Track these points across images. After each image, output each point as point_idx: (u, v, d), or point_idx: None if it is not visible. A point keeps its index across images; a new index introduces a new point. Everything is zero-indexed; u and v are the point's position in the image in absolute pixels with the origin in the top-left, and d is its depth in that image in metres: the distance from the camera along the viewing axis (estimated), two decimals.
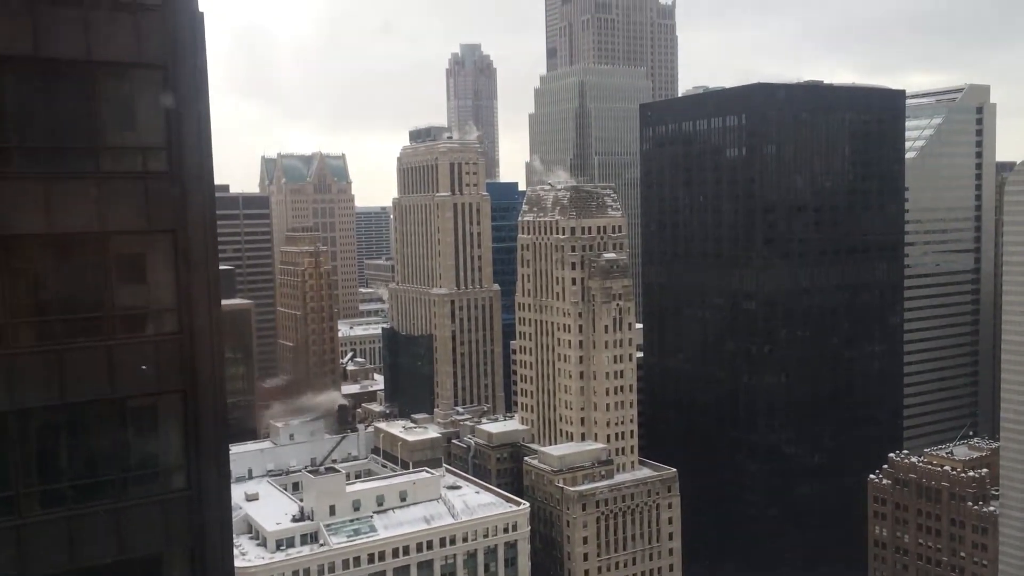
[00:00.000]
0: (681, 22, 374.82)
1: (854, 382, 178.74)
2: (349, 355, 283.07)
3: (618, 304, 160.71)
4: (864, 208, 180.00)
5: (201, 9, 22.62)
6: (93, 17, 21.38)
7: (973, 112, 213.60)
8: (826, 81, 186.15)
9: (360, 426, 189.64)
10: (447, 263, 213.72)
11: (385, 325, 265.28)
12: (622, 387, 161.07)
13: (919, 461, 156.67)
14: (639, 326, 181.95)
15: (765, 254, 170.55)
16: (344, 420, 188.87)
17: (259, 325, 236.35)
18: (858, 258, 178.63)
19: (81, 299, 22.03)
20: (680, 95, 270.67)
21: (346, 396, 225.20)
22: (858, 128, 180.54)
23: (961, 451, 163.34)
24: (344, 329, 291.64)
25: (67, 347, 21.38)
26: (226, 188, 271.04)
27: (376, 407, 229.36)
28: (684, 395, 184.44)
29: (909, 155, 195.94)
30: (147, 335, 22.48)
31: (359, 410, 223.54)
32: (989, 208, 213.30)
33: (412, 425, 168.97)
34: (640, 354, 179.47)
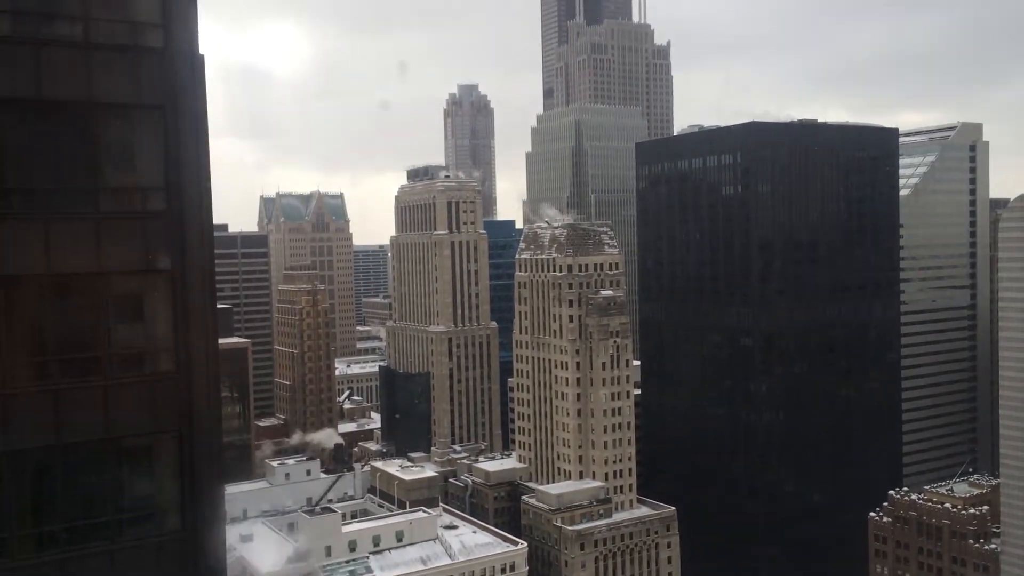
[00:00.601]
0: (675, 62, 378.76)
1: (853, 419, 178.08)
2: (346, 393, 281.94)
3: (615, 341, 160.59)
4: (860, 245, 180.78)
5: (201, 51, 22.92)
6: (94, 59, 21.64)
7: (966, 150, 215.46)
8: (819, 120, 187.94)
9: (356, 465, 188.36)
10: (444, 301, 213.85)
11: (382, 363, 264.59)
12: (620, 424, 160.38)
13: (919, 499, 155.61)
14: (636, 363, 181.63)
15: (762, 291, 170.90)
16: (340, 459, 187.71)
17: (256, 364, 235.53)
18: (854, 294, 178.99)
19: (78, 339, 22.05)
20: (675, 134, 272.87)
21: (342, 435, 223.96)
22: (852, 166, 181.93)
23: (961, 488, 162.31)
24: (341, 367, 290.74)
25: (63, 387, 21.36)
26: (225, 227, 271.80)
27: (373, 446, 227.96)
28: (682, 433, 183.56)
29: (903, 192, 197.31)
30: (143, 375, 22.46)
31: (355, 449, 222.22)
32: (984, 244, 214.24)
33: (409, 464, 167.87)
34: (638, 391, 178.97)
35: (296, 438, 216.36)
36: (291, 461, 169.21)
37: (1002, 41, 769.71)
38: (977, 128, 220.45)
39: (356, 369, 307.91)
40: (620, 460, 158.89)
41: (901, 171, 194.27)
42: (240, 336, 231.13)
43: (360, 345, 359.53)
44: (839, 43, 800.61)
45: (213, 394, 23.13)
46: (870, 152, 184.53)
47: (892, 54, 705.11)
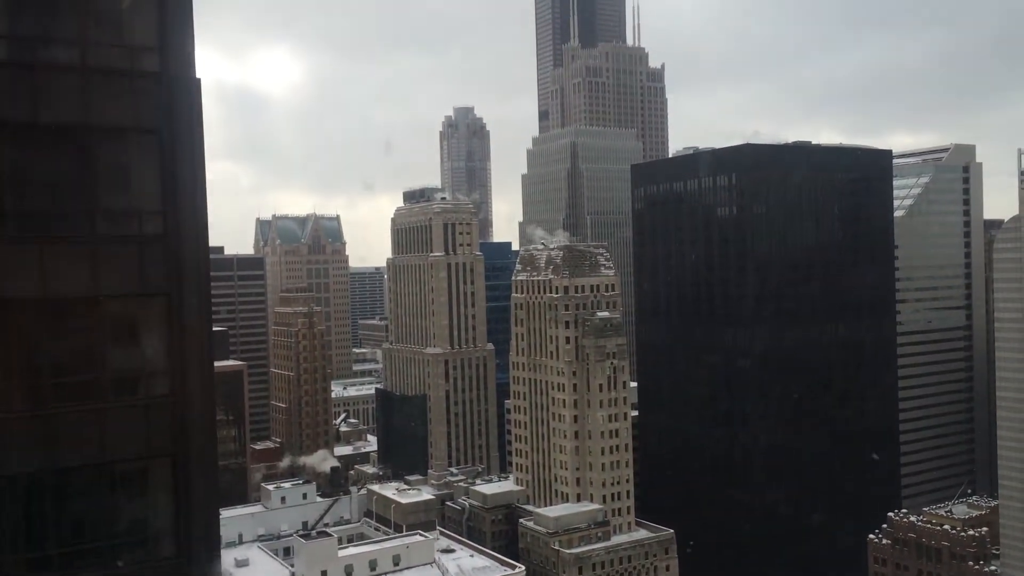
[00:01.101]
0: (669, 85, 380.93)
1: (850, 440, 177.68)
2: (342, 416, 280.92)
3: (612, 362, 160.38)
4: (855, 265, 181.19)
5: (198, 75, 23.04)
6: (91, 83, 21.73)
7: (960, 171, 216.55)
8: (813, 141, 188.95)
9: (353, 488, 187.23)
10: (441, 323, 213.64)
11: (379, 385, 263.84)
12: (617, 446, 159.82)
13: (918, 520, 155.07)
14: (634, 385, 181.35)
15: (758, 312, 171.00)
16: (336, 482, 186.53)
17: (252, 386, 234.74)
18: (850, 315, 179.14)
19: (73, 362, 21.99)
20: (670, 156, 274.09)
21: (339, 458, 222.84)
22: (846, 187, 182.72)
23: (960, 510, 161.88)
24: (337, 390, 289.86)
25: (57, 411, 21.26)
26: (221, 250, 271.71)
27: (369, 469, 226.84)
28: (680, 454, 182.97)
29: (897, 213, 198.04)
30: (138, 398, 22.39)
31: (352, 472, 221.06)
32: (979, 265, 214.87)
33: (405, 487, 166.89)
34: (635, 413, 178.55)
35: (292, 461, 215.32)
36: (287, 485, 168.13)
37: (992, 63, 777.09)
38: (970, 149, 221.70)
39: (352, 392, 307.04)
40: (618, 482, 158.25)
41: (895, 192, 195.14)
42: (236, 359, 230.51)
43: (356, 367, 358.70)
44: (830, 65, 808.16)
45: (208, 417, 23.05)
46: (864, 173, 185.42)
47: (883, 76, 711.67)
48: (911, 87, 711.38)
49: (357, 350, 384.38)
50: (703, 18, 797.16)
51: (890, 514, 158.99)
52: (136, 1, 23.03)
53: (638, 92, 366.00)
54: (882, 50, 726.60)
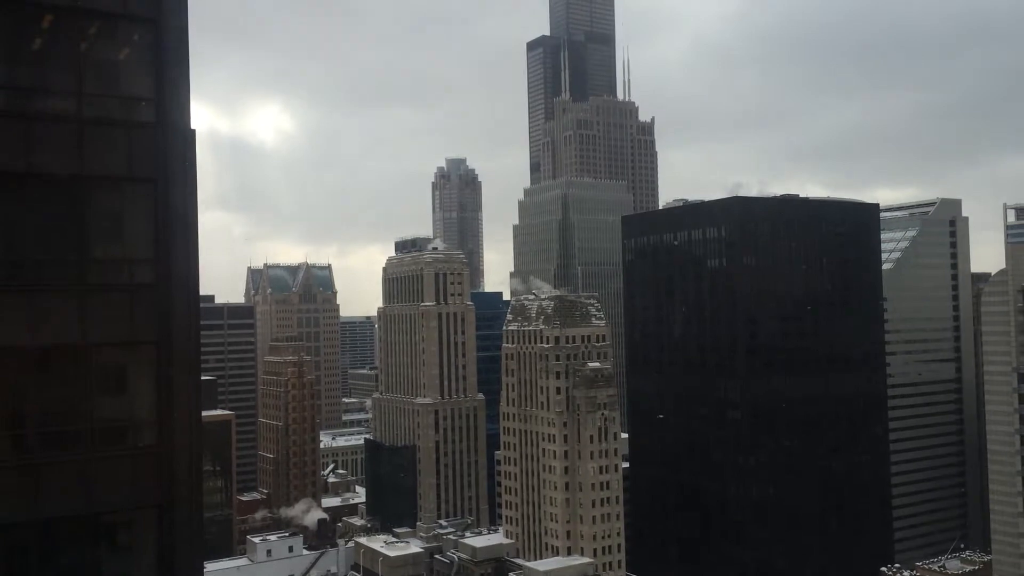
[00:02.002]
0: (659, 138, 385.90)
1: (842, 493, 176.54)
2: (330, 467, 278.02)
3: (603, 414, 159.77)
4: (844, 318, 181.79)
5: (193, 126, 23.29)
6: (86, 133, 21.93)
7: (946, 225, 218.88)
8: (800, 195, 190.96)
9: (340, 541, 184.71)
10: (431, 372, 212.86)
11: (368, 436, 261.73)
12: (608, 499, 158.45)
13: (912, 575, 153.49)
14: (624, 436, 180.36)
15: (748, 363, 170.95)
16: (324, 535, 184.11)
17: (239, 436, 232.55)
18: (840, 367, 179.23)
19: (60, 411, 21.83)
20: (661, 207, 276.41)
21: (326, 509, 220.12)
22: (834, 240, 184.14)
23: (954, 564, 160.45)
24: (326, 440, 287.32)
25: (42, 461, 21.06)
26: (211, 298, 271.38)
27: (357, 520, 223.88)
28: (671, 507, 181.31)
29: (886, 266, 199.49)
30: (125, 448, 22.20)
31: (339, 524, 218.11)
32: (967, 318, 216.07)
33: (394, 540, 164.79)
34: (626, 464, 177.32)
35: (278, 513, 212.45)
36: (273, 537, 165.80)
37: (967, 122, 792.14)
38: (956, 204, 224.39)
39: (341, 442, 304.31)
40: (608, 535, 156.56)
41: (883, 245, 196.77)
42: (224, 408, 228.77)
43: (346, 417, 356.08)
44: (814, 121, 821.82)
45: (195, 468, 22.84)
46: (852, 226, 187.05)
47: (864, 133, 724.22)
48: (891, 144, 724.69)
49: (347, 400, 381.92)
50: (688, 76, 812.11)
51: (883, 568, 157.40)
52: (133, 53, 23.39)
53: (628, 145, 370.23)
54: (862, 109, 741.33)
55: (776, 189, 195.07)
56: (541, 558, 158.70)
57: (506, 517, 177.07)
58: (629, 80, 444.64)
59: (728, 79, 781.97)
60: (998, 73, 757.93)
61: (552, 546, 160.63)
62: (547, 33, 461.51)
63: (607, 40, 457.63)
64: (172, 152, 22.63)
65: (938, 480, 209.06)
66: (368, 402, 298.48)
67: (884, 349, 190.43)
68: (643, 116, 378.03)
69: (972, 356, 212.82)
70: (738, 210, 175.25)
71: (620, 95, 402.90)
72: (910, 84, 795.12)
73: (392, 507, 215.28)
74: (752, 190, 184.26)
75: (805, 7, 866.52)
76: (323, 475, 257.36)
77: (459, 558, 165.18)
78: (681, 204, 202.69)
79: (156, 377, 22.34)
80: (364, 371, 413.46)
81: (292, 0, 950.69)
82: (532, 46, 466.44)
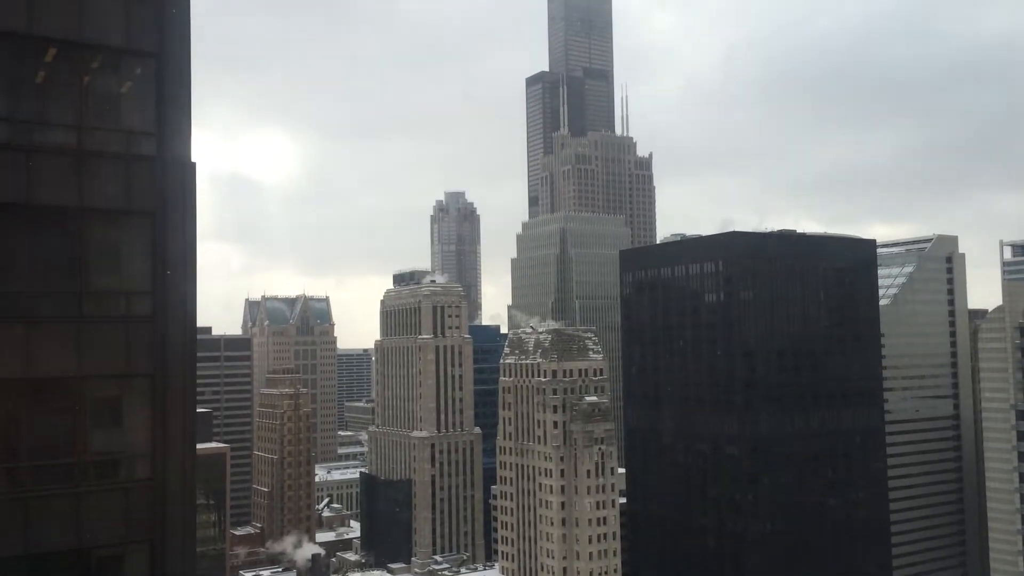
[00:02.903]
0: (656, 173, 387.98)
1: (840, 530, 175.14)
2: (325, 501, 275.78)
3: (600, 448, 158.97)
4: (842, 353, 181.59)
5: (193, 159, 23.40)
6: (87, 166, 22.03)
7: (943, 261, 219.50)
8: (797, 230, 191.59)
9: None
10: (428, 406, 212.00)
11: (363, 469, 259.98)
12: (605, 535, 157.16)
13: None
14: (622, 471, 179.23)
15: (746, 398, 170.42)
16: (317, 570, 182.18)
17: (234, 469, 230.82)
18: (838, 403, 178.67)
19: (53, 444, 21.69)
20: (658, 242, 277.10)
21: (321, 544, 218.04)
22: (831, 275, 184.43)
23: None
24: (321, 473, 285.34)
25: (34, 495, 20.89)
26: (208, 330, 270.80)
27: (351, 556, 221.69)
28: (668, 543, 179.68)
29: (883, 302, 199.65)
30: (118, 481, 22.03)
31: (334, 560, 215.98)
32: (964, 354, 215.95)
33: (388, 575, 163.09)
34: (623, 500, 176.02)
35: (272, 547, 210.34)
36: (266, 572, 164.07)
37: (963, 159, 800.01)
38: (952, 240, 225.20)
39: (337, 475, 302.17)
40: (605, 572, 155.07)
41: (880, 281, 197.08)
42: (219, 441, 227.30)
43: (342, 451, 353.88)
44: (806, 159, 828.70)
45: (189, 502, 22.67)
46: (849, 262, 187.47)
47: (857, 170, 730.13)
48: (883, 182, 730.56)
49: (342, 433, 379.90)
50: (682, 113, 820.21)
51: None
52: (135, 87, 23.56)
53: (626, 179, 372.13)
54: (853, 147, 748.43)
55: (770, 225, 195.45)
56: None
57: (502, 553, 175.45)
58: (627, 116, 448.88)
59: (721, 117, 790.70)
60: (987, 113, 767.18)
61: None
62: (546, 69, 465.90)
63: (605, 76, 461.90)
64: (172, 185, 22.72)
65: (937, 517, 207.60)
66: (364, 435, 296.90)
67: (882, 385, 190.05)
68: (641, 151, 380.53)
69: (970, 392, 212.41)
70: (735, 245, 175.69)
71: (618, 130, 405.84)
72: (900, 124, 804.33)
73: (387, 542, 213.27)
74: (746, 225, 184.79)
75: (794, 49, 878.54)
76: (318, 509, 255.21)
77: None
78: (678, 239, 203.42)
79: (151, 410, 22.24)
80: (360, 404, 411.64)
81: (292, 35, 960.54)
82: (531, 82, 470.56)
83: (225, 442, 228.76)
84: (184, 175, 22.96)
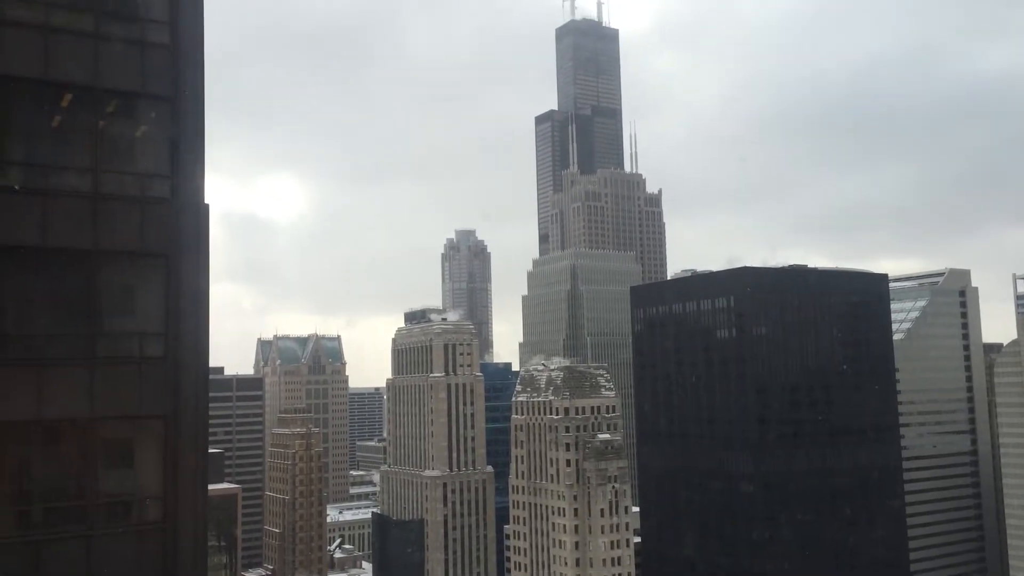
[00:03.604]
0: (666, 210, 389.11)
1: (859, 569, 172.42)
2: (337, 542, 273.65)
3: (614, 487, 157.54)
4: (856, 389, 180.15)
5: (206, 201, 23.59)
6: (102, 209, 22.21)
7: (956, 295, 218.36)
8: (808, 265, 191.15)
9: None
10: (440, 444, 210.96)
11: (375, 509, 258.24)
12: (620, 575, 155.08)
13: None
14: (636, 509, 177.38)
15: (761, 435, 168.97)
16: None
17: (245, 510, 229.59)
18: (854, 439, 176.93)
19: (64, 486, 21.66)
20: (669, 278, 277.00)
21: None
22: (844, 310, 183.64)
23: None
24: (333, 514, 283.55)
25: (45, 538, 20.81)
26: (221, 370, 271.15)
27: None
28: None
29: (896, 337, 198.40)
30: (130, 524, 21.94)
31: None
32: (980, 389, 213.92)
33: None
34: (637, 539, 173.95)
35: None
36: None
37: (968, 194, 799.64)
38: (965, 274, 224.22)
39: (348, 516, 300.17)
40: None
41: (893, 316, 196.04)
42: (231, 481, 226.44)
43: (353, 491, 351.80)
44: (813, 195, 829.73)
45: (200, 544, 22.53)
46: (862, 297, 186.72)
47: (863, 205, 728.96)
48: (890, 217, 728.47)
49: (354, 472, 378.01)
50: (690, 151, 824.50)
51: None
52: (150, 130, 23.86)
53: (636, 216, 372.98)
54: (859, 183, 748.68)
55: (779, 261, 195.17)
56: None
57: None
58: (636, 153, 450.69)
59: (724, 155, 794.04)
60: (990, 147, 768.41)
61: None
62: (555, 108, 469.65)
63: (613, 114, 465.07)
64: (185, 227, 22.89)
65: (957, 555, 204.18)
66: (376, 475, 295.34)
67: (898, 421, 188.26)
68: (651, 188, 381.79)
69: (987, 428, 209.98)
70: (747, 280, 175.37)
71: (627, 167, 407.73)
72: (904, 159, 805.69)
73: None
74: (754, 261, 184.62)
75: (795, 88, 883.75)
76: (329, 550, 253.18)
77: None
78: (690, 274, 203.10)
79: (163, 451, 22.22)
80: (372, 443, 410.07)
81: (303, 79, 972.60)
82: (540, 120, 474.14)
83: (237, 483, 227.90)
84: (198, 217, 23.14)
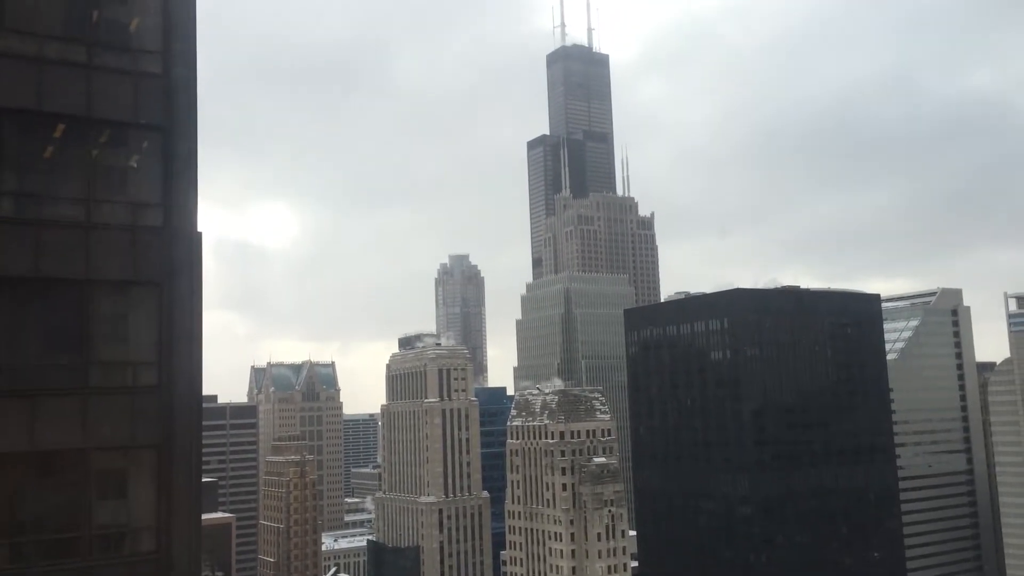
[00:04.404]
0: (659, 232, 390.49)
1: None
2: (332, 570, 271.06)
3: (610, 510, 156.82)
4: (851, 409, 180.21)
5: (199, 229, 23.61)
6: (94, 238, 22.22)
7: (948, 314, 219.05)
8: (800, 286, 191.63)
9: None
10: (435, 470, 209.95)
11: (370, 537, 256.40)
12: None
13: None
14: (632, 533, 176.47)
15: (757, 457, 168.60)
16: None
17: (239, 540, 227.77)
18: (850, 460, 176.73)
19: (58, 518, 21.50)
20: (663, 300, 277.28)
21: None
22: (837, 331, 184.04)
23: None
24: (328, 542, 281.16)
25: (39, 570, 20.63)
26: (214, 398, 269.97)
27: None
28: None
29: (890, 357, 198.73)
30: (123, 555, 21.76)
31: None
32: (975, 408, 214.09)
33: None
34: (635, 563, 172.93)
35: None
36: None
37: (955, 213, 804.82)
38: (957, 293, 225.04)
39: (343, 544, 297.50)
40: None
41: (886, 336, 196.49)
42: (225, 510, 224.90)
43: (348, 518, 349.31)
44: (800, 217, 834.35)
45: (194, 574, 22.36)
46: (854, 317, 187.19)
47: (851, 226, 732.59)
48: (880, 237, 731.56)
49: (349, 500, 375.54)
50: (678, 174, 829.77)
51: None
52: (143, 160, 23.93)
53: (629, 239, 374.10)
54: (847, 203, 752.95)
55: (768, 282, 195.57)
56: None
57: None
58: (628, 177, 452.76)
59: (713, 178, 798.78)
60: (976, 167, 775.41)
61: None
62: (547, 132, 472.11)
63: (605, 139, 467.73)
64: (178, 256, 22.89)
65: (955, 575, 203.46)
66: (370, 502, 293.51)
67: (893, 441, 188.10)
68: (643, 211, 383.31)
69: (983, 447, 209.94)
70: (740, 302, 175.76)
71: (619, 191, 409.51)
72: (891, 180, 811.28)
73: None
74: (745, 284, 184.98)
75: (781, 111, 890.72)
76: None
77: None
78: (683, 296, 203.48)
79: (156, 481, 22.09)
80: (367, 469, 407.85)
81: (294, 108, 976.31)
82: (532, 145, 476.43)
83: (231, 511, 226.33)
84: (190, 245, 23.15)
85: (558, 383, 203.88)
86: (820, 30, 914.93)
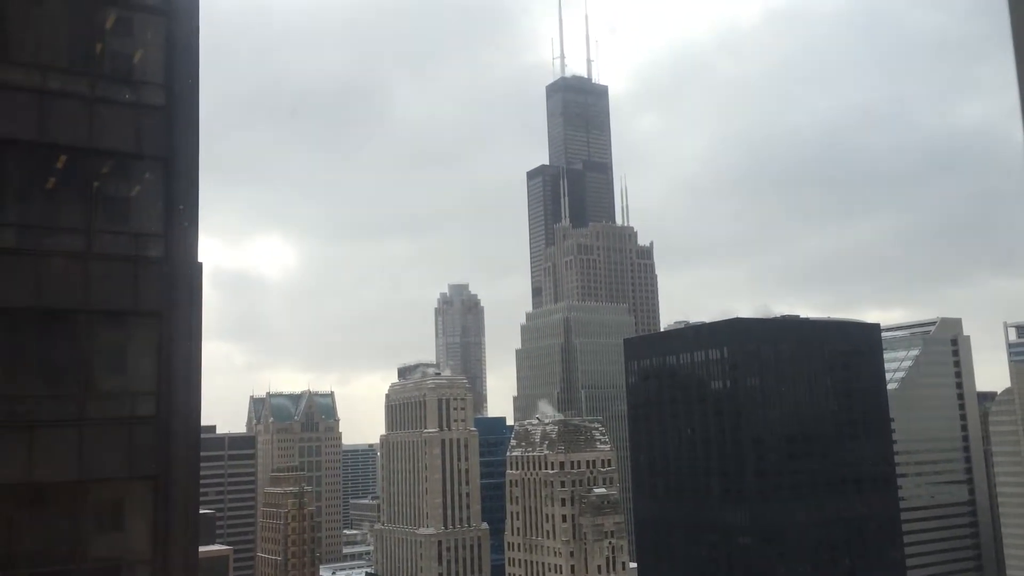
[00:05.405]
0: (658, 261, 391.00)
1: None
2: None
3: (611, 542, 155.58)
4: (852, 439, 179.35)
5: (200, 260, 23.67)
6: (95, 269, 22.27)
7: (948, 343, 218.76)
8: (800, 316, 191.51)
9: None
10: (434, 501, 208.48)
11: (369, 569, 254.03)
12: None
13: None
14: (633, 565, 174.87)
15: (758, 487, 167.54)
16: None
17: (237, 572, 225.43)
18: (851, 490, 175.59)
19: (53, 550, 21.35)
20: (662, 329, 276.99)
21: None
22: (837, 360, 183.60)
23: None
24: (326, 574, 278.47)
25: None
26: (213, 428, 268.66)
27: None
28: None
29: (891, 386, 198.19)
30: None
31: None
32: (976, 438, 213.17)
33: None
34: None
35: None
36: None
37: (948, 243, 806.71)
38: (956, 322, 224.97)
39: None
40: None
41: (886, 365, 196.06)
42: (222, 542, 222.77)
43: (347, 550, 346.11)
44: (795, 248, 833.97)
45: None
46: (854, 346, 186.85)
47: (846, 257, 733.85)
48: (875, 267, 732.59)
49: (348, 531, 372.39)
50: (674, 205, 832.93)
51: None
52: (144, 190, 24.06)
53: (628, 268, 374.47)
54: (841, 234, 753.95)
55: (764, 310, 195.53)
56: None
57: None
58: (627, 206, 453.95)
59: (707, 210, 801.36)
60: (967, 199, 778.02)
61: None
62: (546, 162, 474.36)
63: (604, 169, 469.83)
64: (178, 286, 22.95)
65: None
66: (368, 533, 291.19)
67: (895, 471, 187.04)
68: (642, 241, 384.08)
69: (984, 477, 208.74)
70: (739, 331, 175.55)
71: (619, 220, 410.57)
72: (883, 212, 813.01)
73: None
74: (744, 311, 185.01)
75: (772, 144, 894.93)
76: None
77: None
78: (683, 326, 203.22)
79: (153, 513, 21.97)
80: (366, 500, 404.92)
81: (293, 140, 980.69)
82: (532, 175, 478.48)
83: (228, 543, 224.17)
84: (191, 276, 23.21)
85: (549, 411, 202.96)
86: (808, 63, 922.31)
